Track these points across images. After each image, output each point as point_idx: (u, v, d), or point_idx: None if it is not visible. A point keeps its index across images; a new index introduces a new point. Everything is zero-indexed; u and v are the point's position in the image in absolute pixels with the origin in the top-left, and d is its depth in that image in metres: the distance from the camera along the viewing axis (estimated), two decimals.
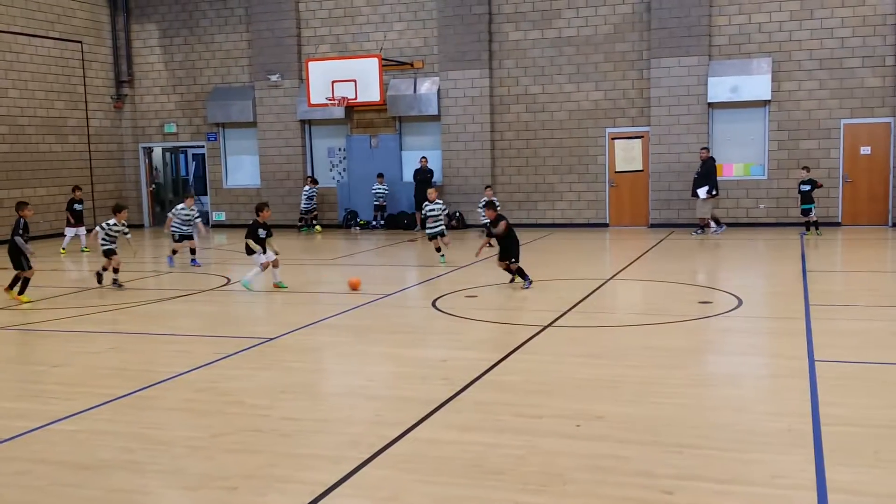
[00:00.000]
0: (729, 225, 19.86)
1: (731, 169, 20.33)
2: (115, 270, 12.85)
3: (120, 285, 12.77)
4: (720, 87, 19.80)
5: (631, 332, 9.20)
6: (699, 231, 18.96)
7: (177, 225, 14.93)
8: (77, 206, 18.17)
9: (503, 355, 7.98)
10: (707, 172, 18.66)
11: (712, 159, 18.90)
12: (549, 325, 9.37)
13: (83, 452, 5.62)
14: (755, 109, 20.05)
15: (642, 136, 20.77)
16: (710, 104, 20.09)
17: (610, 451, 5.38)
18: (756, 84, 19.57)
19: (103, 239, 12.83)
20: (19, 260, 11.72)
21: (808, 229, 18.17)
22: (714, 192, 18.68)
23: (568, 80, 21.06)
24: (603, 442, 5.55)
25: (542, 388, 6.91)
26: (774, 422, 5.91)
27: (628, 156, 20.88)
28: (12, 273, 11.84)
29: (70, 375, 7.78)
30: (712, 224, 18.81)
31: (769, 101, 19.71)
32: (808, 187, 17.97)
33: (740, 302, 10.57)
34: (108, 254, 12.83)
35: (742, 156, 20.29)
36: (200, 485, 5.02)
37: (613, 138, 20.96)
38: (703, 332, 9.26)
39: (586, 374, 7.34)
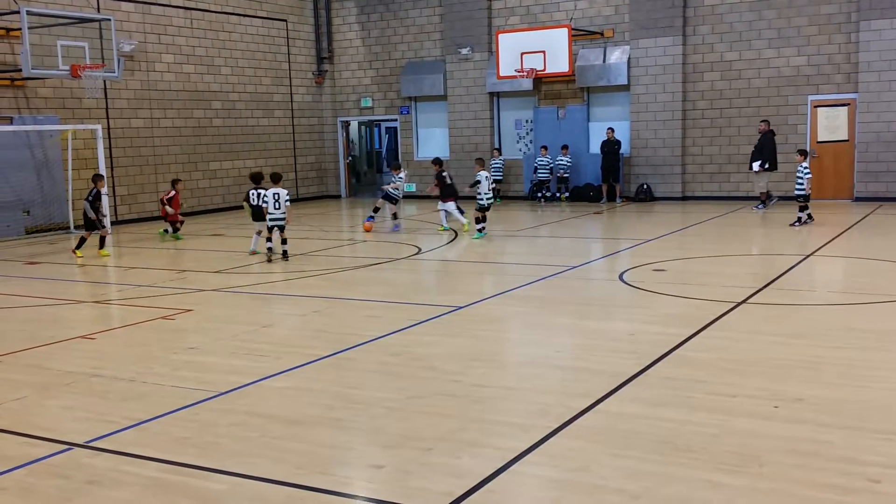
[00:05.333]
0: None
1: None
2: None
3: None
4: None
5: (833, 312, 8.74)
6: (760, 206, 18.49)
7: None
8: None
9: (694, 331, 7.81)
10: (762, 146, 18.25)
11: (771, 132, 18.37)
12: (744, 301, 9.06)
13: (291, 408, 6.04)
14: None
15: (848, 104, 19.45)
16: None
17: (811, 434, 5.17)
18: None
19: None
20: (92, 223, 13.68)
21: None
22: (766, 166, 18.19)
23: (767, 45, 20.02)
24: (803, 425, 5.34)
25: (736, 366, 6.72)
26: None
27: (832, 125, 19.64)
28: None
29: (278, 335, 8.36)
30: (771, 197, 18.76)
31: None
32: None
33: None
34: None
35: None
36: (398, 444, 5.28)
37: (816, 106, 19.76)
38: None
39: (784, 353, 7.05)
